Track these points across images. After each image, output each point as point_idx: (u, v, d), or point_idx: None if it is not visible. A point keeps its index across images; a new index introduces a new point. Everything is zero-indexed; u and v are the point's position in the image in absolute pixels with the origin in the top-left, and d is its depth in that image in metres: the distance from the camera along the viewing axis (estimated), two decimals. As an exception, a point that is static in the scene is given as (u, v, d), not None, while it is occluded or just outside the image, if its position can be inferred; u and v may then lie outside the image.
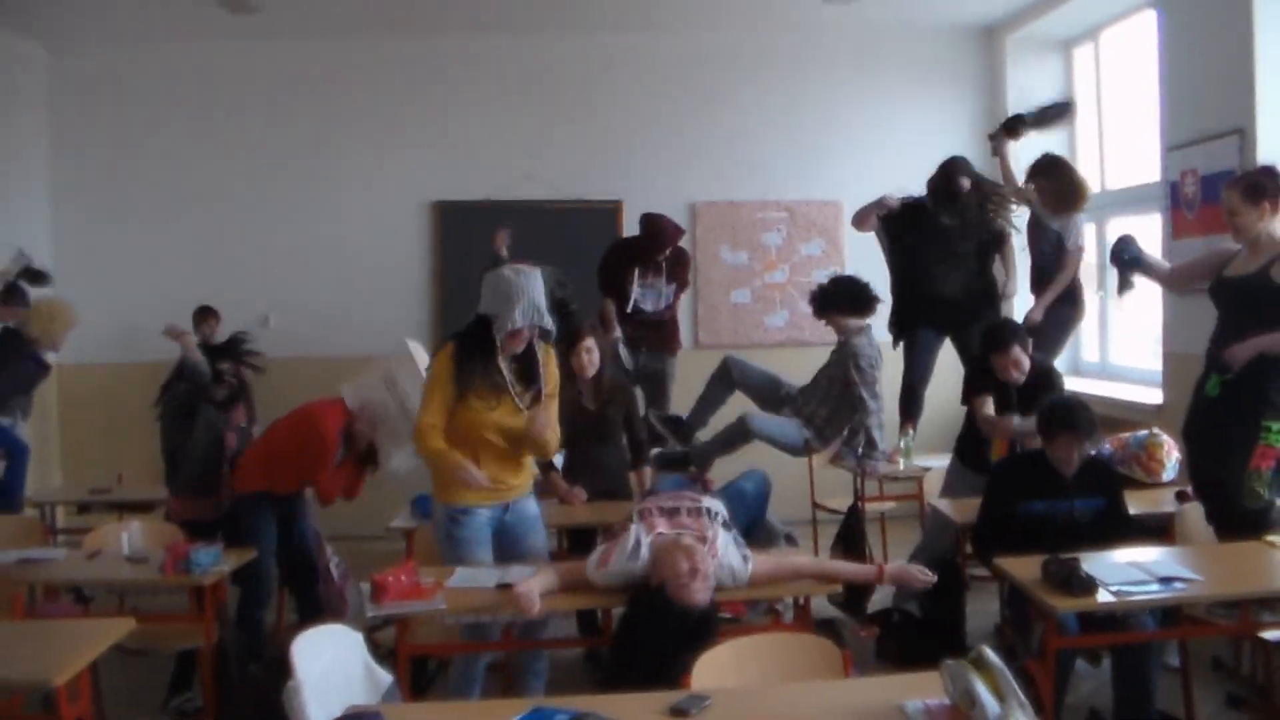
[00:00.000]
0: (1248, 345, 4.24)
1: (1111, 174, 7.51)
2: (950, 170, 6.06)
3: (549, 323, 3.99)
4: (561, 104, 8.22)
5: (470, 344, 4.01)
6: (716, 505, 3.93)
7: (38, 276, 6.48)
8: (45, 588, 4.48)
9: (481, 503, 4.05)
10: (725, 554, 3.65)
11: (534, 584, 3.60)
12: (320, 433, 4.80)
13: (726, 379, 6.04)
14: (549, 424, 4.07)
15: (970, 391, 5.29)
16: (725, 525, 3.79)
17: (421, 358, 5.06)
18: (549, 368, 4.16)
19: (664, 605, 3.41)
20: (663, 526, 3.70)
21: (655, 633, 3.36)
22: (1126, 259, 4.77)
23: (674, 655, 3.10)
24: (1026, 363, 5.06)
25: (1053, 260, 6.08)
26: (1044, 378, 5.14)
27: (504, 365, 4.02)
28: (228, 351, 5.16)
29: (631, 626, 3.53)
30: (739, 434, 5.70)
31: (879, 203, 6.12)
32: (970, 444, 5.35)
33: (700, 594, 3.42)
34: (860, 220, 6.27)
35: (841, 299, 5.91)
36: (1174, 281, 5.05)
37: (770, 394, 6.04)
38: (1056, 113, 6.61)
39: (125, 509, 6.06)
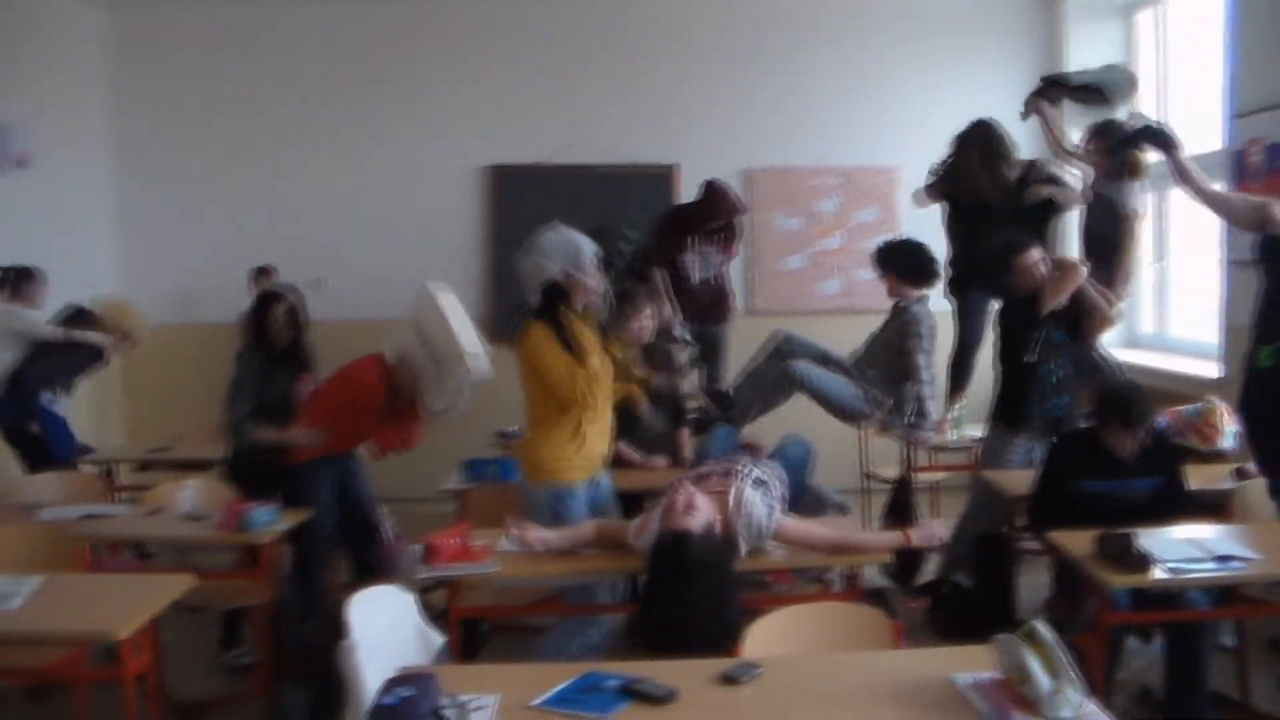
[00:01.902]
0: None
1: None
2: (965, 138, 6.02)
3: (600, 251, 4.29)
4: (616, 67, 8.18)
5: (556, 310, 4.18)
6: (754, 468, 3.87)
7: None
8: (109, 543, 4.57)
9: (580, 479, 4.20)
10: (749, 508, 3.61)
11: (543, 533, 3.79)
12: (361, 384, 4.78)
13: (779, 353, 5.81)
14: None
15: (1017, 329, 5.21)
16: (756, 482, 3.74)
17: (446, 298, 4.93)
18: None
19: (664, 541, 3.37)
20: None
21: (668, 572, 3.29)
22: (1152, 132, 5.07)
23: (693, 598, 3.12)
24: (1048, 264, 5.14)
25: (1104, 224, 5.92)
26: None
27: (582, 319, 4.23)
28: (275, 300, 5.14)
29: (651, 578, 3.50)
30: (781, 384, 5.51)
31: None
32: (1009, 402, 5.21)
33: (688, 521, 3.38)
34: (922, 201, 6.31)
35: (901, 263, 5.74)
36: (1209, 198, 4.82)
37: (820, 364, 5.90)
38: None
39: (184, 468, 6.16)
